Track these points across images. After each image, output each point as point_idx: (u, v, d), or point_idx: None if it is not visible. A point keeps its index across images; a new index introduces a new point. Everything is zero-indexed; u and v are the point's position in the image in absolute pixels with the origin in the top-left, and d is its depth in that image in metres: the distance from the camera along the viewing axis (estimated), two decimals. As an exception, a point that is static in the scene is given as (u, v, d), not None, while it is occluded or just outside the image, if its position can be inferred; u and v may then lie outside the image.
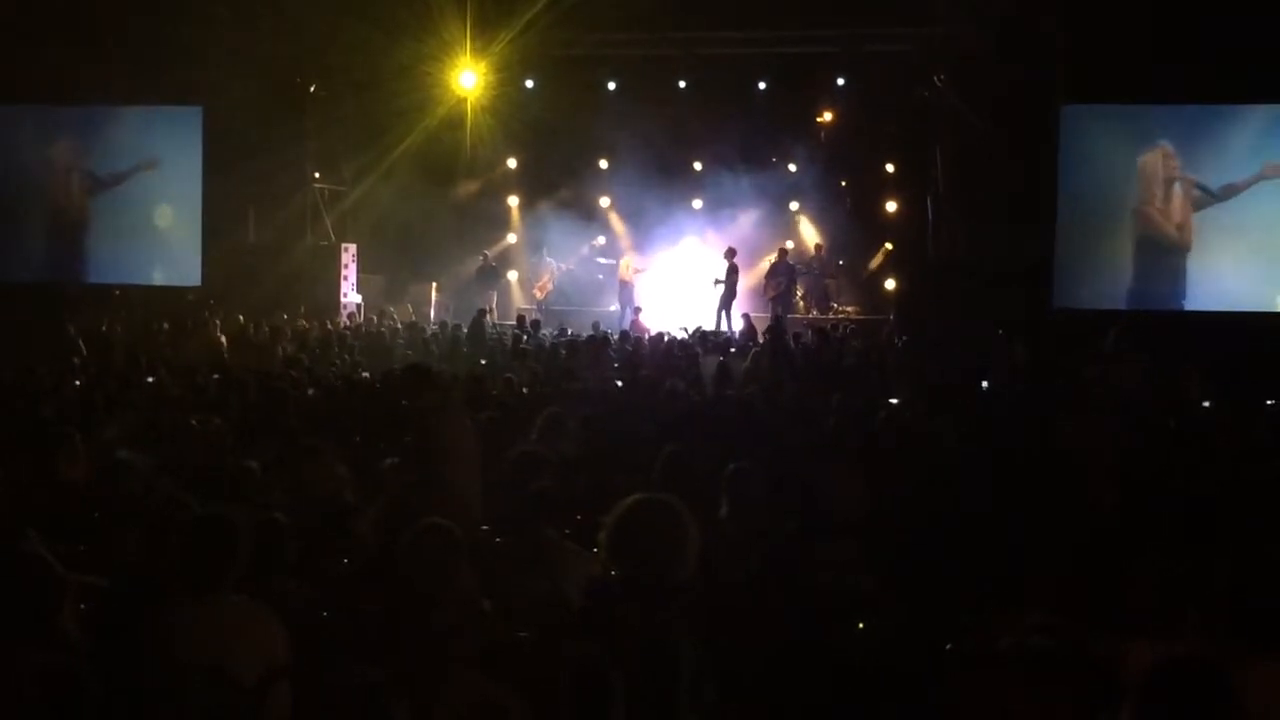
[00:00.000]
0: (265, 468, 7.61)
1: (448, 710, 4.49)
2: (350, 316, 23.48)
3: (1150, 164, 22.18)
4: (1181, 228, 22.14)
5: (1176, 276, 22.22)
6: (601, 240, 27.49)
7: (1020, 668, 4.40)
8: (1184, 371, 13.88)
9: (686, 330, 20.69)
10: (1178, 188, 22.14)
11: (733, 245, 24.26)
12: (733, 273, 23.74)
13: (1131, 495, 7.48)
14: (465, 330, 20.64)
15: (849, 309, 25.82)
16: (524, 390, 12.97)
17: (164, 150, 25.38)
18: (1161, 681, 3.43)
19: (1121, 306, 21.59)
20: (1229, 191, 22.00)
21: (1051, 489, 7.62)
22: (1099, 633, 4.59)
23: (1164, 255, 22.27)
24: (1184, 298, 22.10)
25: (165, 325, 20.39)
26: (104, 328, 19.66)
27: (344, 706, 4.22)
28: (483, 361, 17.14)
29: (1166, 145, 22.10)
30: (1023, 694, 4.38)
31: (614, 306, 25.32)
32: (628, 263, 25.50)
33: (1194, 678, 3.42)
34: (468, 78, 24.30)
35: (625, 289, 25.10)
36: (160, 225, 25.41)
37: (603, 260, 27.17)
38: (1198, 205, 22.09)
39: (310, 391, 12.74)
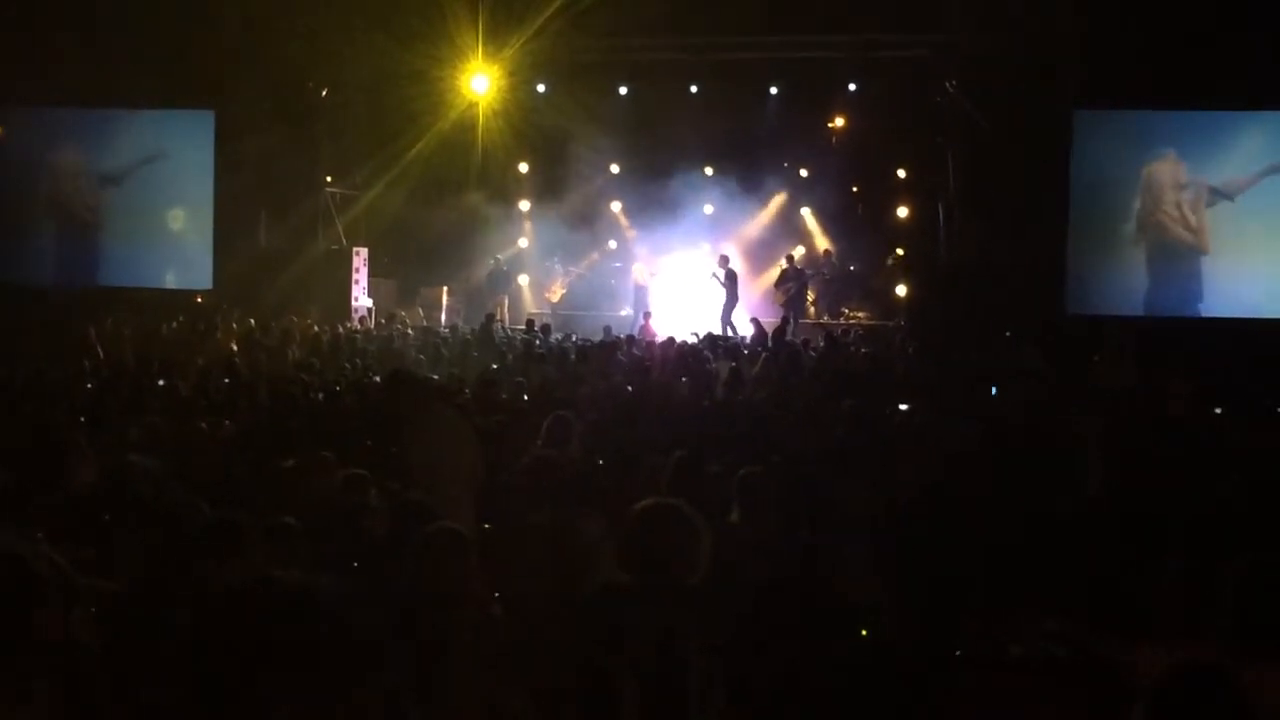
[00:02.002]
0: (276, 471, 7.61)
1: (458, 713, 4.49)
2: (361, 320, 23.49)
3: (1160, 171, 22.14)
4: (1197, 232, 22.09)
5: (1193, 282, 22.19)
6: (613, 245, 27.49)
7: (1032, 674, 4.39)
8: (1166, 375, 13.90)
9: (697, 335, 20.67)
10: (1190, 193, 22.09)
11: (725, 254, 24.38)
12: (730, 279, 23.79)
13: (1136, 495, 7.47)
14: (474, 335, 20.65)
15: (860, 314, 25.79)
16: (533, 394, 12.97)
17: (176, 153, 25.47)
18: (1174, 686, 3.42)
19: (1137, 313, 21.59)
20: (1232, 187, 21.96)
21: (1062, 493, 7.60)
22: (1110, 638, 4.57)
23: (1180, 261, 22.25)
24: (1200, 303, 22.05)
25: (174, 324, 20.41)
26: (113, 330, 19.68)
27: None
28: (494, 366, 17.12)
29: (1172, 152, 22.07)
30: (1034, 700, 4.36)
31: (625, 311, 25.32)
32: (641, 267, 25.54)
33: (1206, 682, 3.40)
34: (479, 82, 24.33)
35: (640, 293, 25.11)
36: (173, 228, 25.52)
37: (617, 265, 27.19)
38: (1209, 205, 22.05)
39: (320, 396, 12.73)
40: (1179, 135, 22.31)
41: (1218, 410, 12.55)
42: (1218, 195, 21.98)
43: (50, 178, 25.74)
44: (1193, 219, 22.11)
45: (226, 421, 10.02)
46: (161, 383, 13.34)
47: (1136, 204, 22.32)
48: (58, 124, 25.63)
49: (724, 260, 24.07)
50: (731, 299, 23.77)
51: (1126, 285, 22.34)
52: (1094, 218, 22.31)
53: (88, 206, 25.88)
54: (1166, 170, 22.13)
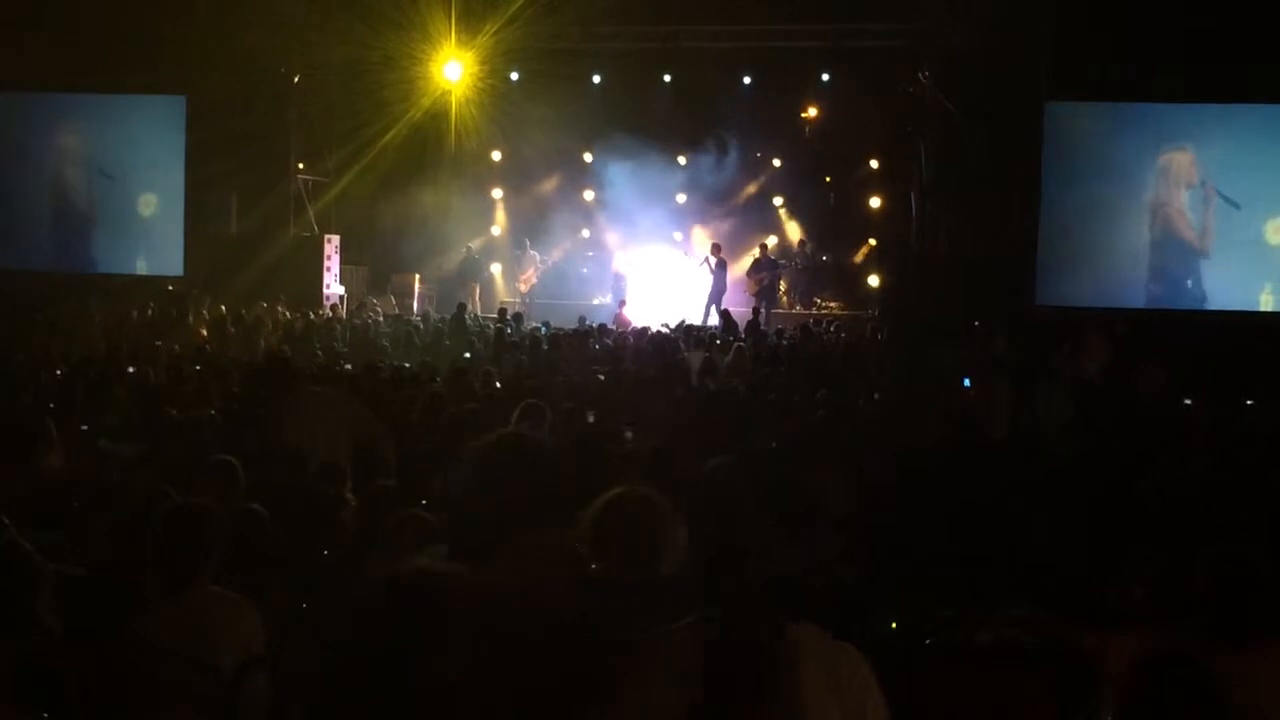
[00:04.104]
0: (246, 459, 7.57)
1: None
2: (333, 308, 23.38)
3: (1175, 164, 22.14)
4: (1203, 233, 22.10)
5: (1192, 277, 22.25)
6: (585, 234, 27.48)
7: (1000, 662, 4.40)
8: (1139, 365, 13.94)
9: (668, 326, 20.66)
10: (1191, 193, 22.09)
11: (717, 242, 24.38)
12: (720, 268, 23.82)
13: (1108, 488, 7.50)
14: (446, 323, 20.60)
15: (833, 304, 25.85)
16: (505, 383, 12.94)
17: (148, 139, 25.31)
18: (1145, 675, 3.43)
19: (1102, 304, 21.61)
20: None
21: (1031, 482, 7.63)
22: (1078, 626, 4.59)
23: (1181, 256, 22.26)
24: (1204, 299, 22.15)
25: (149, 312, 20.29)
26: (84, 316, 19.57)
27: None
28: (466, 355, 17.07)
29: (1189, 148, 22.04)
30: (1002, 688, 4.38)
31: (599, 299, 25.38)
32: (623, 255, 25.65)
33: (1177, 671, 3.42)
34: (452, 69, 24.25)
35: (618, 281, 25.19)
36: (144, 214, 25.38)
37: (590, 254, 27.20)
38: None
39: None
40: (1165, 129, 22.35)
41: (1187, 401, 12.61)
42: (1233, 206, 21.95)
43: (45, 162, 25.60)
44: (1196, 218, 22.12)
45: (213, 412, 9.95)
46: (131, 370, 13.27)
47: (1111, 196, 22.33)
48: (43, 108, 25.44)
49: (716, 248, 24.09)
50: (719, 286, 23.77)
51: (1096, 278, 22.38)
52: (1066, 210, 22.32)
53: (83, 194, 25.73)
54: (1182, 163, 22.10)
